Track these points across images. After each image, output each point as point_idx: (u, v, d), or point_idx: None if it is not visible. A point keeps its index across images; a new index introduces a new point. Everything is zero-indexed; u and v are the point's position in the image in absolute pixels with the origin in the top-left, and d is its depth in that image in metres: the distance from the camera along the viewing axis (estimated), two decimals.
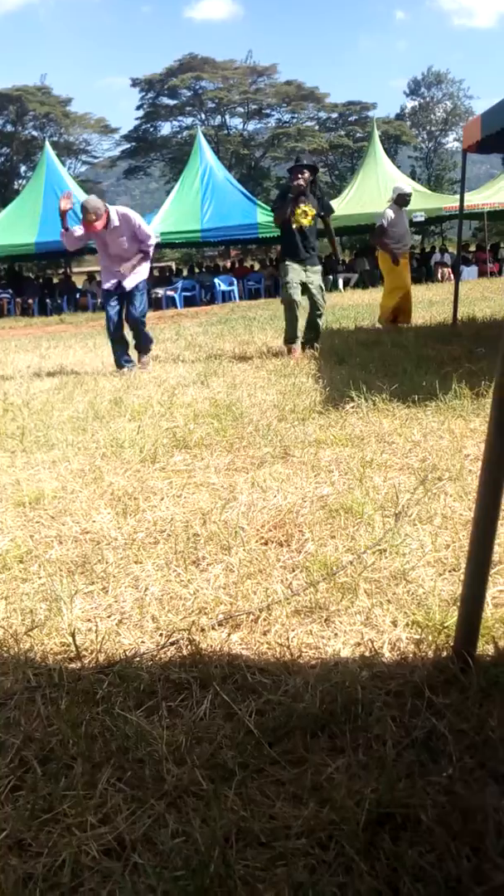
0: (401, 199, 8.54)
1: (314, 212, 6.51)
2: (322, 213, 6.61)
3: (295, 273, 6.51)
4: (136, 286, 6.42)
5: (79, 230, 6.26)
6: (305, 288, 6.60)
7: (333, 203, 21.65)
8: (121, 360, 6.60)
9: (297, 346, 6.70)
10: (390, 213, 8.36)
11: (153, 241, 6.59)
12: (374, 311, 11.14)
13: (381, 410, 4.03)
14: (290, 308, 6.58)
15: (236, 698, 1.57)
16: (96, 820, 1.25)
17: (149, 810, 1.27)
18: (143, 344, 6.68)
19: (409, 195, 8.73)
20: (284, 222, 6.52)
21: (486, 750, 1.35)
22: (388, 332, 7.95)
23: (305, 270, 6.54)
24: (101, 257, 6.50)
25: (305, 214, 6.46)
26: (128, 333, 6.64)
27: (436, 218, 21.74)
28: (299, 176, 6.43)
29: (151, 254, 6.54)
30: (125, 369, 6.51)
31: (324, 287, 6.77)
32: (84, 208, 6.03)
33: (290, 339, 6.72)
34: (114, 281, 6.41)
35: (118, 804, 1.28)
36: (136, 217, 6.31)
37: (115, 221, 6.15)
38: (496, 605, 1.90)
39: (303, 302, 6.65)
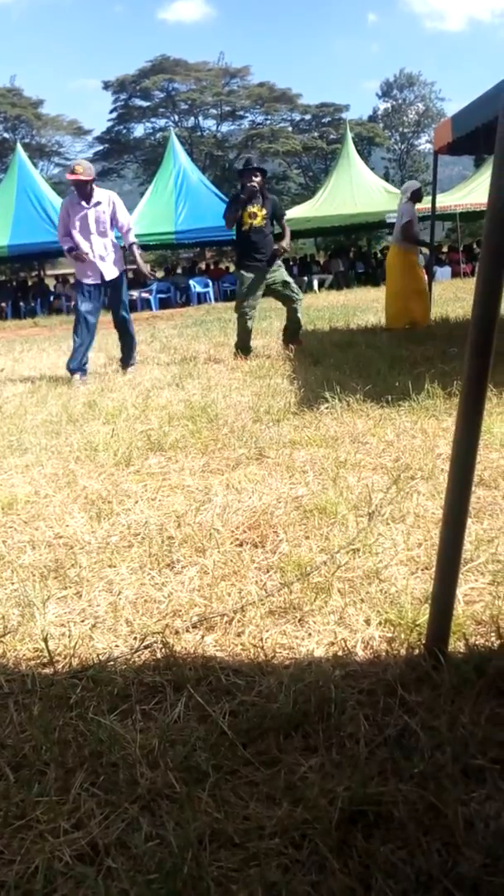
0: (416, 196, 8.18)
1: (264, 212, 6.46)
2: (272, 215, 6.56)
3: (250, 284, 6.48)
4: (117, 280, 6.28)
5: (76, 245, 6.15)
6: (271, 290, 6.61)
7: (306, 205, 21.77)
8: (83, 365, 6.30)
9: (248, 353, 6.72)
10: (409, 210, 8.08)
11: (131, 230, 6.47)
12: (348, 311, 11.22)
13: (356, 411, 4.06)
14: (241, 320, 6.62)
15: (210, 700, 1.57)
16: (69, 825, 1.25)
17: (122, 814, 1.27)
18: (131, 346, 6.55)
19: (422, 190, 8.38)
20: (238, 225, 6.48)
21: (458, 746, 1.37)
22: (396, 334, 7.66)
23: (265, 274, 6.51)
24: (79, 246, 6.11)
25: (254, 216, 6.42)
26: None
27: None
28: (252, 178, 6.42)
29: (132, 240, 6.38)
30: (82, 378, 6.18)
31: (289, 279, 6.72)
32: (75, 163, 6.06)
33: (241, 348, 6.74)
34: (94, 272, 6.17)
35: (91, 809, 1.28)
36: (120, 202, 6.25)
37: (100, 198, 6.09)
38: (468, 602, 1.92)
39: (262, 304, 6.65)
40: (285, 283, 6.64)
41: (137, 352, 6.87)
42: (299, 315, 6.83)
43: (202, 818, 1.23)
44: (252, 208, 6.44)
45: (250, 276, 6.52)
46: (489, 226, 1.38)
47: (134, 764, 1.37)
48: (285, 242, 6.60)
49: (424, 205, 9.63)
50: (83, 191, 6.05)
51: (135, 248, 6.36)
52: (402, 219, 8.15)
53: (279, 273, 6.62)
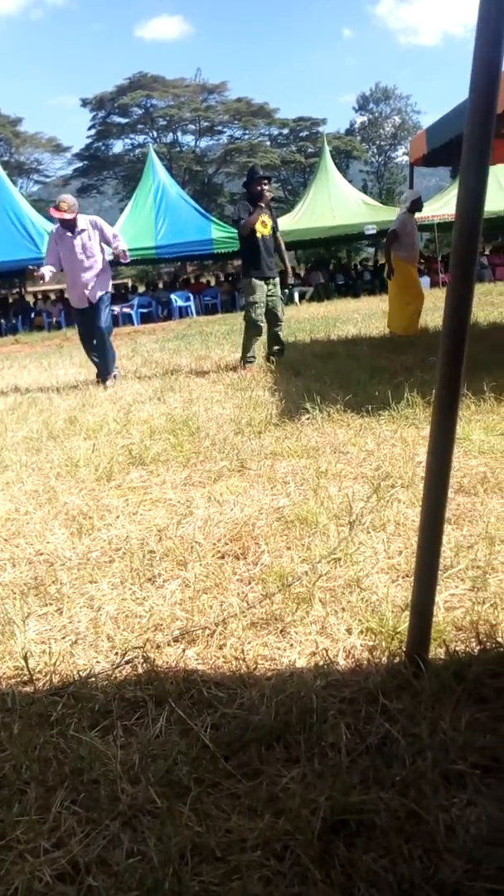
0: (415, 206, 8.18)
1: (271, 222, 6.56)
2: (275, 228, 6.66)
3: (262, 292, 6.51)
4: (101, 299, 6.52)
5: (48, 272, 6.35)
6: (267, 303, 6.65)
7: (286, 217, 21.90)
8: (111, 373, 6.75)
9: (254, 365, 6.72)
10: (404, 220, 8.11)
11: (121, 241, 6.58)
12: (329, 323, 11.27)
13: (336, 421, 4.08)
14: (255, 329, 6.60)
15: (192, 713, 1.57)
16: (50, 844, 1.24)
17: (103, 831, 1.26)
18: (107, 359, 6.69)
19: (419, 200, 8.34)
20: (251, 233, 6.44)
21: (438, 752, 1.37)
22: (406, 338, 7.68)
23: (270, 286, 6.56)
24: (66, 273, 6.50)
25: (265, 224, 6.49)
26: None
27: (387, 230, 22.09)
28: (265, 185, 6.45)
29: (123, 248, 6.47)
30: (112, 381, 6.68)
31: (281, 301, 6.82)
32: (60, 199, 6.26)
33: (249, 359, 6.73)
34: (81, 298, 6.51)
35: (72, 827, 1.27)
36: (103, 223, 6.48)
37: (83, 225, 6.32)
38: (448, 608, 1.93)
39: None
40: (280, 300, 6.71)
41: (118, 366, 6.93)
42: (281, 334, 6.89)
43: (184, 832, 1.22)
44: (263, 216, 6.46)
45: (261, 283, 6.51)
46: (457, 236, 1.40)
47: (115, 780, 1.36)
48: (288, 264, 6.75)
49: (422, 214, 9.61)
50: (68, 224, 6.30)
51: (123, 251, 6.46)
52: (391, 228, 8.24)
53: (278, 288, 6.68)
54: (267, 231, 6.48)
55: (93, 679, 1.73)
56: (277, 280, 6.68)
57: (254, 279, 6.53)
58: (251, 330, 6.65)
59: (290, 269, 7.16)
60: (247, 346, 6.73)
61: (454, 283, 1.42)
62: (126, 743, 1.49)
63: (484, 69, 1.27)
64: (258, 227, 6.44)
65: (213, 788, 1.34)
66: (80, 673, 1.76)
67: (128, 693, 1.66)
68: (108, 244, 6.48)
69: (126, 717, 1.59)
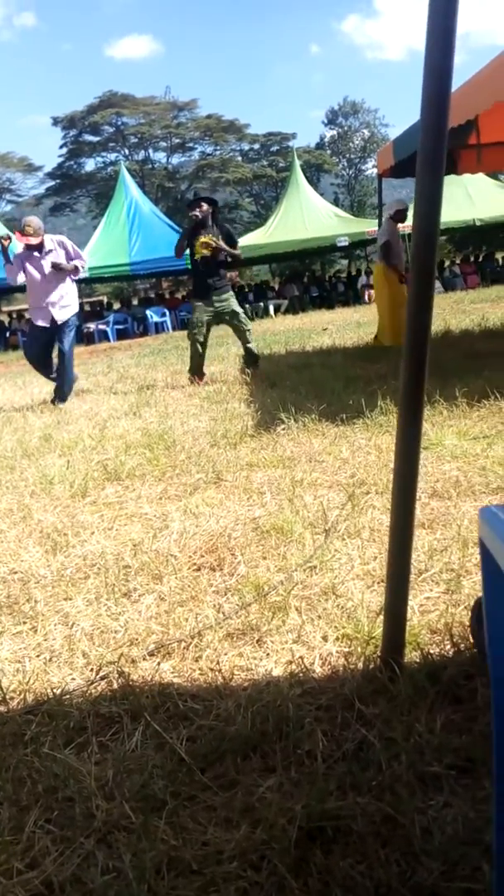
0: (398, 216, 8.11)
1: (215, 240, 6.58)
2: (227, 241, 6.69)
3: (200, 312, 6.69)
4: (68, 321, 6.45)
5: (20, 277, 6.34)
6: (221, 319, 6.75)
7: (259, 232, 22.05)
8: (51, 376, 6.67)
9: (202, 375, 6.90)
10: (389, 230, 8.07)
11: (81, 260, 6.59)
12: (304, 334, 11.34)
13: (311, 430, 4.10)
14: (193, 345, 6.83)
15: (168, 727, 1.55)
16: (23, 865, 1.22)
17: (78, 849, 1.24)
18: (67, 381, 6.61)
19: (405, 210, 8.20)
20: (191, 256, 6.64)
21: (414, 755, 1.37)
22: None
23: (213, 303, 6.65)
24: (31, 291, 6.42)
25: (207, 245, 6.53)
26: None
27: (360, 242, 22.30)
28: (198, 209, 6.58)
29: (79, 264, 6.49)
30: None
31: (238, 310, 6.81)
32: (25, 223, 6.24)
33: (193, 371, 6.92)
34: (45, 317, 6.40)
35: (46, 846, 1.25)
36: (69, 242, 6.49)
37: (50, 245, 6.31)
38: (423, 611, 1.94)
39: (216, 331, 6.83)
40: (234, 314, 6.76)
41: (74, 392, 6.85)
42: (251, 345, 6.96)
43: (159, 847, 1.21)
44: (204, 238, 6.52)
45: (200, 303, 6.71)
46: (416, 245, 1.42)
47: (89, 797, 1.35)
48: (227, 250, 6.65)
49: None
50: (35, 246, 6.27)
51: (74, 266, 6.45)
52: (380, 239, 8.17)
53: (229, 303, 6.74)
54: (208, 251, 6.53)
55: (67, 696, 1.71)
56: (228, 294, 6.75)
57: (195, 301, 6.80)
58: (191, 347, 6.89)
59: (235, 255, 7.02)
60: (191, 362, 6.94)
61: (414, 291, 1.44)
62: (101, 759, 1.48)
63: (434, 84, 1.29)
64: (198, 248, 6.54)
65: (190, 801, 1.33)
66: (55, 690, 1.74)
67: (103, 709, 1.65)
68: (70, 260, 6.45)
69: (101, 732, 1.57)
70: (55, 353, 6.52)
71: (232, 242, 6.79)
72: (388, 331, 8.13)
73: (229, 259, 6.82)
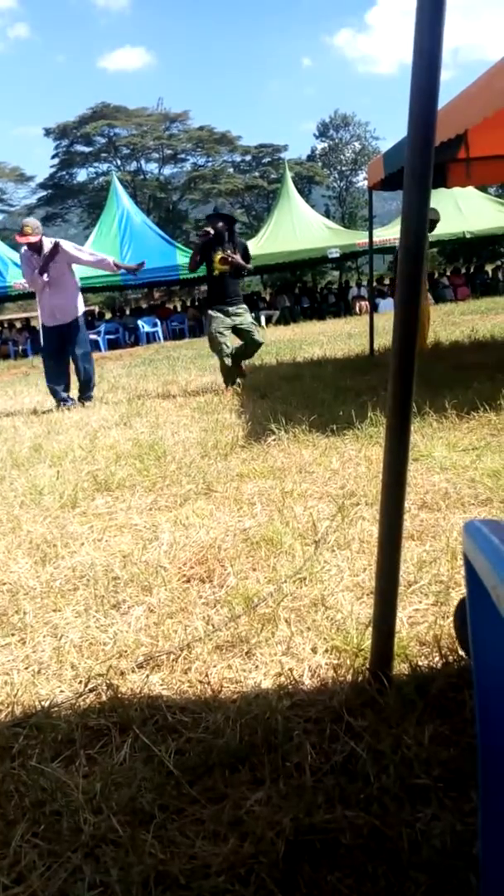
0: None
1: (231, 256, 6.64)
2: (243, 256, 6.77)
3: (219, 322, 6.66)
4: (75, 322, 6.65)
5: (40, 280, 6.53)
6: (237, 331, 6.74)
7: (251, 242, 22.12)
8: (60, 394, 6.80)
9: (233, 385, 6.91)
10: None
11: (92, 254, 6.93)
12: (295, 345, 11.37)
13: (302, 441, 4.11)
14: (220, 357, 6.78)
15: (157, 740, 1.55)
16: (9, 880, 1.21)
17: (65, 864, 1.23)
18: (90, 381, 6.90)
19: (435, 221, 7.82)
20: (209, 270, 6.70)
21: (402, 767, 1.38)
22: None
23: (230, 315, 6.69)
24: (38, 296, 6.67)
25: (224, 261, 6.61)
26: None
27: (350, 254, 22.44)
28: (214, 225, 6.65)
29: (99, 258, 6.90)
30: (68, 404, 6.74)
31: (255, 322, 6.93)
32: (24, 224, 6.45)
33: (226, 381, 6.89)
34: (52, 317, 6.62)
35: (33, 861, 1.24)
36: (66, 242, 6.67)
37: (48, 247, 6.47)
38: (412, 623, 1.95)
39: (234, 341, 6.86)
40: (252, 324, 6.82)
41: (72, 397, 7.01)
42: (252, 352, 6.98)
43: (147, 861, 1.21)
44: (222, 253, 6.61)
45: (218, 314, 6.68)
46: (402, 256, 1.43)
47: (77, 810, 1.34)
48: (233, 258, 6.69)
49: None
50: (34, 247, 6.46)
51: (114, 261, 6.89)
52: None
53: (246, 316, 6.79)
54: (226, 267, 6.62)
55: (55, 709, 1.70)
56: (244, 307, 6.83)
57: (210, 312, 6.79)
58: (219, 360, 6.86)
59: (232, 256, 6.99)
60: (223, 376, 6.92)
61: (401, 303, 1.45)
62: (89, 772, 1.47)
63: (421, 102, 1.31)
64: (216, 264, 6.62)
65: (178, 815, 1.33)
66: (43, 703, 1.73)
67: (91, 721, 1.64)
68: (79, 262, 6.69)
69: (89, 745, 1.57)
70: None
71: (246, 258, 6.88)
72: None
73: (244, 273, 6.95)
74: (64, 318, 6.60)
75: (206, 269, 6.75)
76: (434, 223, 8.00)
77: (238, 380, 6.95)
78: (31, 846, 1.28)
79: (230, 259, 6.54)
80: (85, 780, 1.43)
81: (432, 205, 7.81)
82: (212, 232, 6.58)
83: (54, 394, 6.84)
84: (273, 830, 1.25)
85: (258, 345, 6.82)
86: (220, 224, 6.67)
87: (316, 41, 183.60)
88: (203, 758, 1.46)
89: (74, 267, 6.74)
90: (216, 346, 6.71)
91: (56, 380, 6.82)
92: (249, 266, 6.92)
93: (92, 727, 1.63)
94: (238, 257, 6.64)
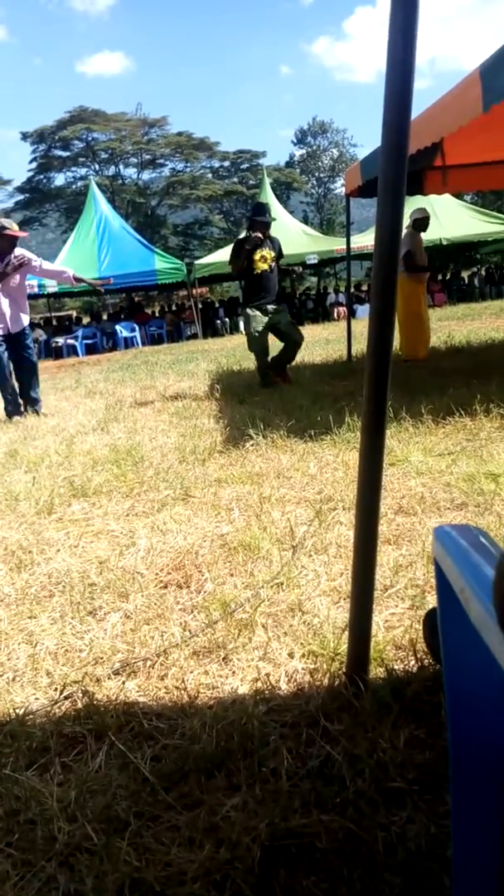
0: (418, 224, 7.90)
1: (272, 255, 6.77)
2: (278, 257, 6.90)
3: (258, 322, 6.69)
4: (23, 330, 6.55)
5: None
6: (276, 330, 6.74)
7: (229, 248, 22.14)
8: (17, 409, 6.57)
9: (286, 377, 6.88)
10: (410, 240, 7.81)
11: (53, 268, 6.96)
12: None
13: (280, 447, 4.12)
14: (261, 356, 6.79)
15: (132, 746, 1.54)
16: None
17: (39, 873, 1.22)
18: (38, 388, 6.73)
19: (425, 219, 7.97)
20: (248, 269, 6.72)
21: (378, 771, 1.38)
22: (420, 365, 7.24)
23: (270, 314, 6.72)
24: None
25: (265, 259, 6.71)
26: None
27: (328, 260, 22.56)
28: (260, 232, 6.68)
29: (59, 270, 6.98)
30: (19, 418, 6.48)
31: (293, 322, 6.96)
32: (10, 222, 6.42)
33: (265, 384, 6.79)
34: (5, 327, 6.47)
35: (6, 870, 1.23)
36: (28, 253, 6.54)
37: (17, 256, 6.36)
38: (388, 627, 1.96)
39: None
40: (290, 324, 6.83)
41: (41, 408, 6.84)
42: (294, 353, 6.89)
43: (122, 868, 1.20)
44: (263, 252, 6.70)
45: (257, 312, 6.71)
46: (377, 263, 1.45)
47: (51, 819, 1.33)
48: (298, 268, 6.98)
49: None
50: (7, 247, 6.29)
51: (73, 274, 6.87)
52: (401, 249, 7.96)
53: (285, 315, 6.83)
54: (266, 265, 6.71)
55: (30, 716, 1.69)
56: (283, 306, 6.93)
57: (250, 310, 6.77)
58: (257, 359, 6.85)
59: (296, 269, 7.45)
60: (260, 375, 6.89)
61: (375, 309, 1.46)
62: (64, 780, 1.46)
63: (394, 112, 1.33)
64: (258, 263, 6.68)
65: (153, 822, 1.32)
66: (17, 710, 1.71)
67: (66, 729, 1.63)
68: (39, 274, 6.74)
69: (64, 753, 1.56)
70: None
71: (281, 255, 7.00)
72: (411, 343, 7.81)
73: (294, 273, 6.96)
74: (13, 327, 6.47)
75: (247, 269, 6.74)
76: (426, 221, 7.98)
77: (279, 381, 6.85)
78: (5, 856, 1.26)
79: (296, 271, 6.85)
80: (60, 788, 1.42)
81: (410, 211, 7.81)
82: (262, 237, 6.65)
83: (10, 405, 6.63)
84: (249, 836, 1.25)
85: (298, 344, 6.80)
86: (266, 226, 6.74)
87: (294, 49, 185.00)
88: (179, 764, 1.46)
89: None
90: (255, 345, 6.73)
91: (12, 390, 6.64)
92: (298, 268, 7.03)
93: (67, 734, 1.61)
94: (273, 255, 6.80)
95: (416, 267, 7.73)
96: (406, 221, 8.23)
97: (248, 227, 6.91)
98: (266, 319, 6.70)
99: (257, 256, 6.68)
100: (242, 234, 6.99)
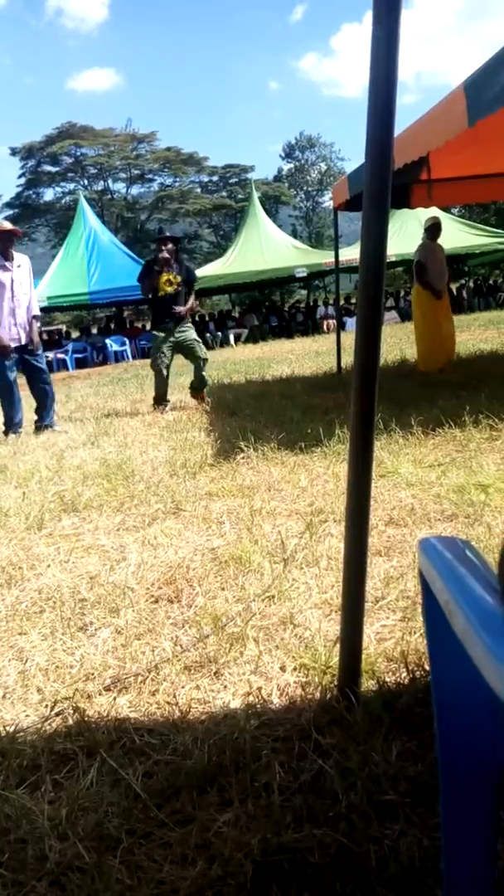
0: (430, 233, 7.81)
1: (179, 279, 6.84)
2: (186, 280, 6.94)
3: (161, 341, 6.89)
4: (36, 343, 6.35)
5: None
6: (181, 347, 6.91)
7: (219, 262, 22.26)
8: (14, 429, 6.36)
9: (166, 405, 7.07)
10: (424, 248, 7.77)
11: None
12: (263, 364, 11.45)
13: (270, 459, 4.12)
14: (158, 374, 7.02)
15: (124, 763, 1.53)
16: None
17: (30, 893, 1.21)
18: (52, 415, 6.58)
19: (433, 226, 7.85)
20: (155, 292, 6.86)
21: (370, 784, 1.38)
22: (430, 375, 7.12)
23: (175, 334, 6.85)
24: (3, 308, 6.15)
25: (170, 283, 6.81)
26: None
27: (317, 273, 22.67)
28: (163, 248, 6.78)
29: (36, 311, 6.57)
30: (15, 436, 6.33)
31: (198, 340, 7.04)
32: (2, 220, 6.36)
33: (158, 400, 7.11)
34: (17, 335, 6.22)
35: None
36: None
37: (20, 260, 6.25)
38: (380, 639, 1.96)
39: (176, 361, 7.06)
40: (195, 342, 6.96)
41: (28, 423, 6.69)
42: (203, 373, 7.07)
43: (114, 887, 1.19)
44: (168, 275, 6.79)
45: (162, 335, 6.91)
46: (363, 277, 1.46)
47: (42, 837, 1.32)
48: (182, 308, 6.87)
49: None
50: (7, 247, 6.08)
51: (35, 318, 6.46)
52: (414, 258, 7.90)
53: (189, 333, 6.96)
54: (171, 289, 6.82)
55: (21, 733, 1.68)
56: (188, 326, 7.00)
57: (155, 332, 7.03)
58: (156, 377, 7.10)
59: (178, 310, 6.96)
60: (156, 391, 7.14)
61: (362, 322, 1.48)
62: (55, 798, 1.45)
63: (378, 127, 1.35)
64: (162, 286, 6.80)
65: (145, 839, 1.31)
66: (7, 728, 1.70)
67: (57, 746, 1.62)
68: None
69: (55, 770, 1.55)
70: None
71: (192, 278, 7.08)
72: (428, 355, 7.63)
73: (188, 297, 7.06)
74: (23, 340, 6.25)
75: (153, 291, 6.89)
76: (435, 227, 7.89)
77: (194, 393, 7.11)
78: None
79: (180, 314, 6.81)
80: (50, 806, 1.41)
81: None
82: (169, 255, 6.76)
83: (13, 420, 6.44)
84: (241, 852, 1.24)
85: (201, 360, 6.95)
86: (170, 246, 6.85)
87: (283, 65, 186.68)
88: (171, 780, 1.45)
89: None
90: (154, 365, 6.98)
91: (17, 404, 6.47)
92: (192, 297, 7.11)
93: (58, 752, 1.60)
94: (189, 302, 6.95)
95: (424, 282, 7.68)
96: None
97: (156, 248, 7.02)
98: (171, 339, 6.85)
99: (163, 280, 6.81)
100: (150, 257, 7.11)
